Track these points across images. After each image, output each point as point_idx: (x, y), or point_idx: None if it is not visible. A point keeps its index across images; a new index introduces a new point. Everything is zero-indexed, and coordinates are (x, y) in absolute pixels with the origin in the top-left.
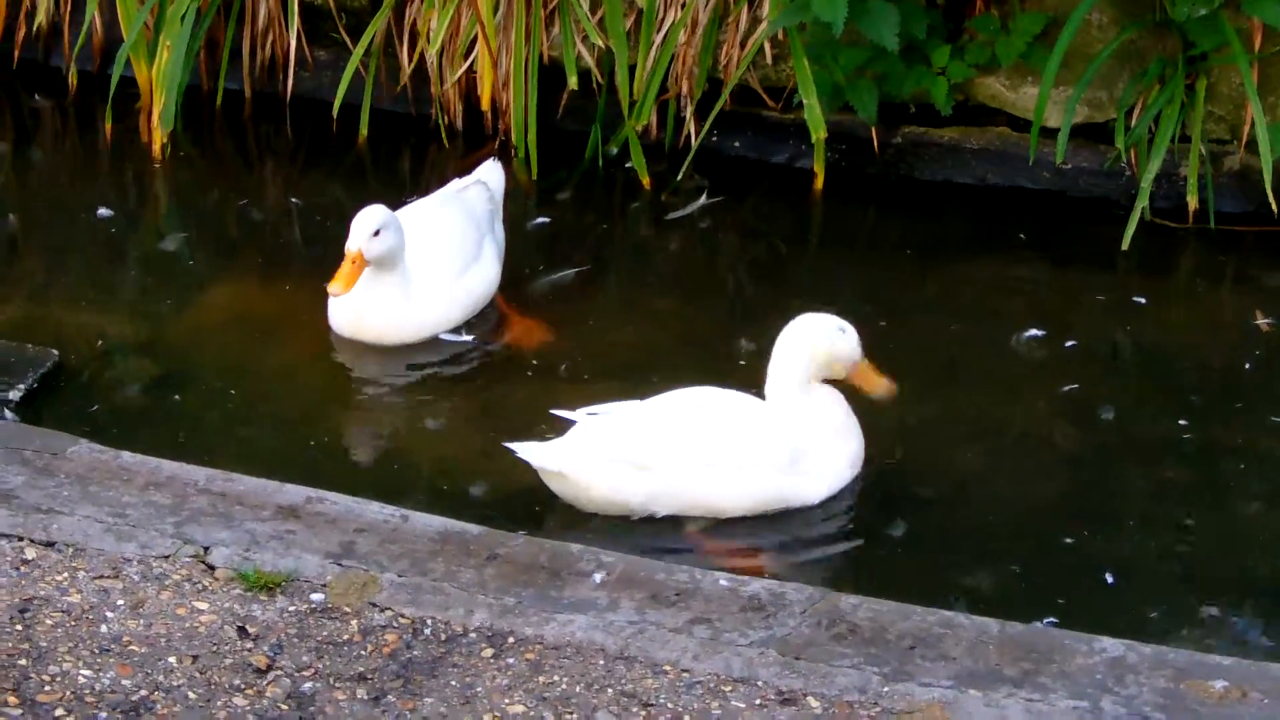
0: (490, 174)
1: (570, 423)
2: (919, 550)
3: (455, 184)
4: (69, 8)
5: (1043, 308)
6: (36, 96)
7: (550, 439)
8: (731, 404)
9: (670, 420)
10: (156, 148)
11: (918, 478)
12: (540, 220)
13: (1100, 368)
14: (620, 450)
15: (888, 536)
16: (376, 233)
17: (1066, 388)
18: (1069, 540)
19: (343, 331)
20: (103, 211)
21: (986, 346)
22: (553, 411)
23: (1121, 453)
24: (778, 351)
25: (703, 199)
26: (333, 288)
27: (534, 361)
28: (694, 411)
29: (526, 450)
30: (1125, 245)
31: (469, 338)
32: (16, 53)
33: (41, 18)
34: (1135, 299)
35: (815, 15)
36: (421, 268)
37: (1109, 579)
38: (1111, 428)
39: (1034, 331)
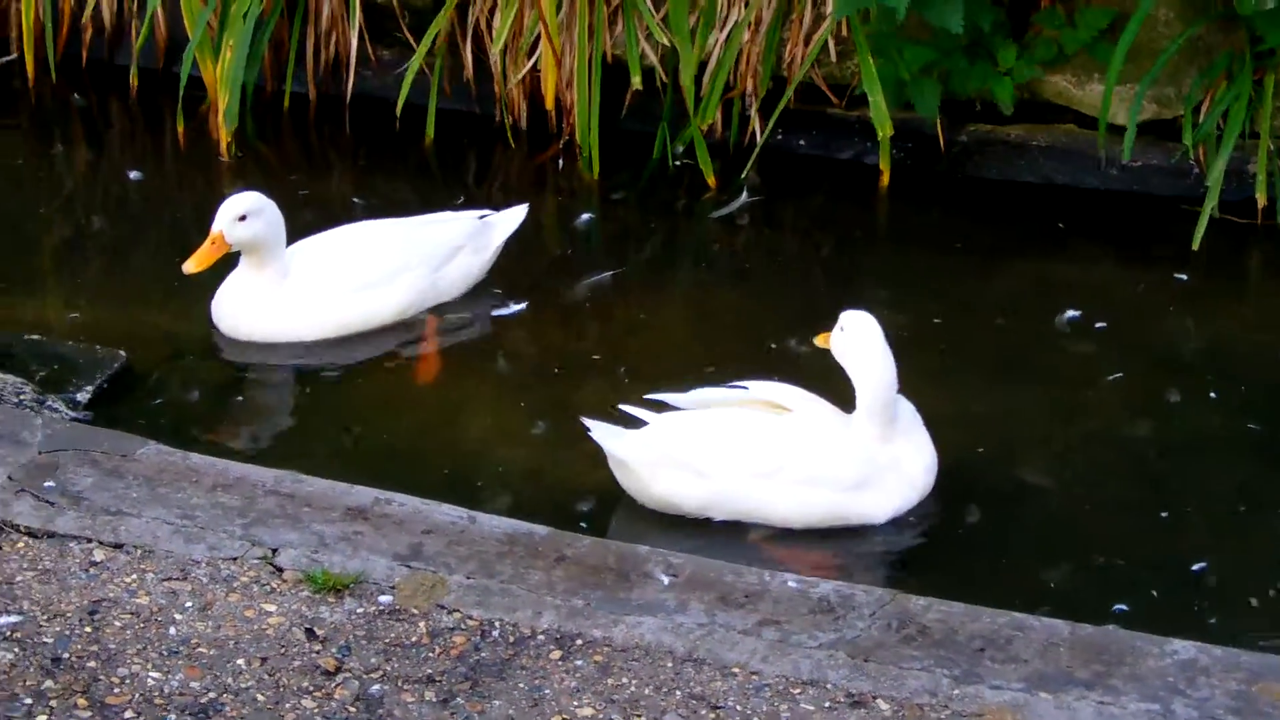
0: (506, 218)
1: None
2: (989, 550)
3: (452, 214)
4: (134, 7)
5: (1109, 306)
6: (76, 96)
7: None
8: (806, 413)
9: (733, 427)
10: (223, 146)
11: (986, 476)
12: (585, 217)
13: (1168, 365)
14: (679, 453)
15: (957, 536)
16: (243, 218)
17: (1134, 385)
18: (1139, 540)
19: (215, 318)
20: (171, 210)
21: (1051, 344)
22: (621, 407)
23: (1190, 450)
24: (875, 355)
25: (743, 197)
26: (186, 265)
27: (595, 357)
28: (761, 420)
29: (600, 431)
30: (1196, 245)
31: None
32: (84, 52)
33: (101, 8)
34: (1204, 296)
35: (880, 1)
36: (311, 277)
37: (1181, 580)
38: (1181, 425)
39: (1100, 327)
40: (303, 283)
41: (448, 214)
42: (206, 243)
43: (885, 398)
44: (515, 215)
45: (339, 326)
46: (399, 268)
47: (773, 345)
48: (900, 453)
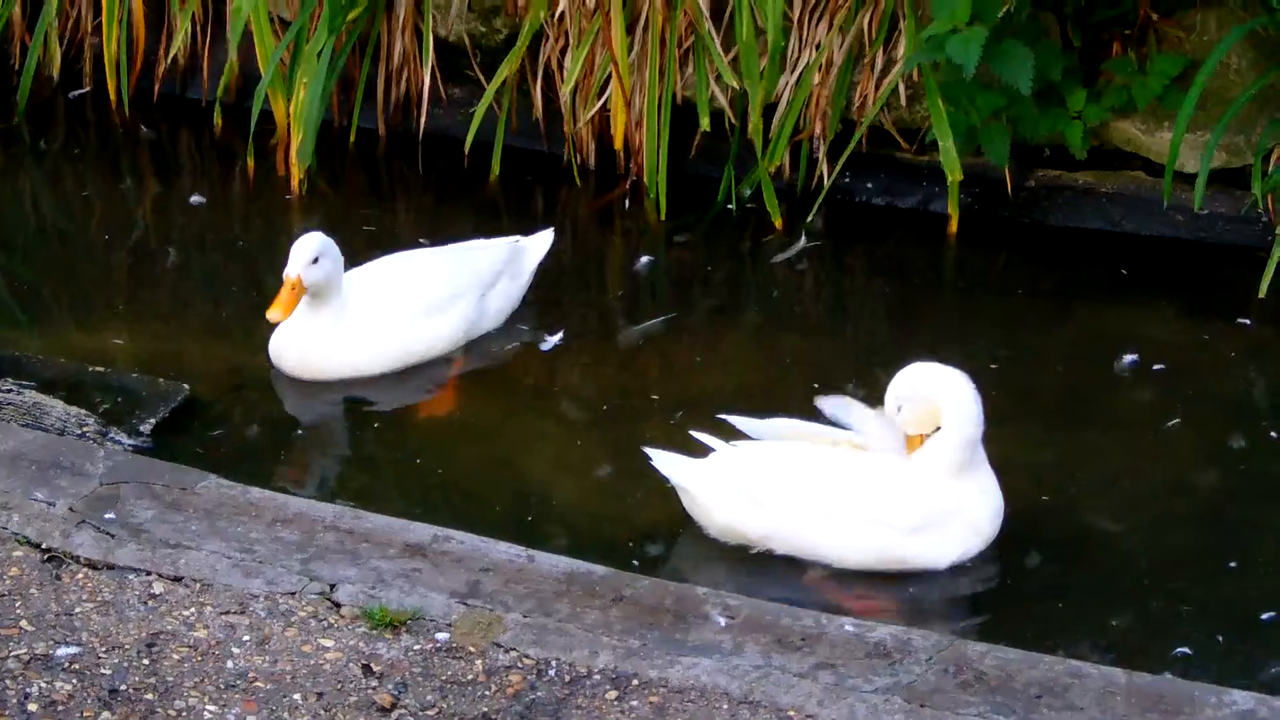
0: (536, 242)
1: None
2: (1051, 595)
3: (485, 243)
4: (207, 43)
5: (1175, 354)
6: (144, 129)
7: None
8: (877, 453)
9: (798, 461)
10: (295, 182)
11: (1047, 522)
12: (646, 259)
13: (1232, 411)
14: (741, 482)
15: (1020, 582)
16: (315, 260)
17: (1197, 431)
18: (1205, 587)
19: (274, 358)
20: (239, 244)
21: (1114, 390)
22: (692, 434)
23: (1254, 498)
24: (962, 408)
25: (802, 241)
26: (271, 313)
27: (668, 396)
28: (828, 455)
29: (662, 460)
30: (1262, 293)
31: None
32: (157, 86)
33: (178, 48)
34: (1271, 343)
35: (949, 56)
36: (367, 312)
37: (1248, 627)
38: (1244, 472)
39: (1162, 373)
40: (361, 318)
41: (481, 241)
42: (286, 288)
43: (973, 435)
44: (544, 240)
45: (402, 357)
46: (453, 294)
47: (832, 388)
48: (967, 497)
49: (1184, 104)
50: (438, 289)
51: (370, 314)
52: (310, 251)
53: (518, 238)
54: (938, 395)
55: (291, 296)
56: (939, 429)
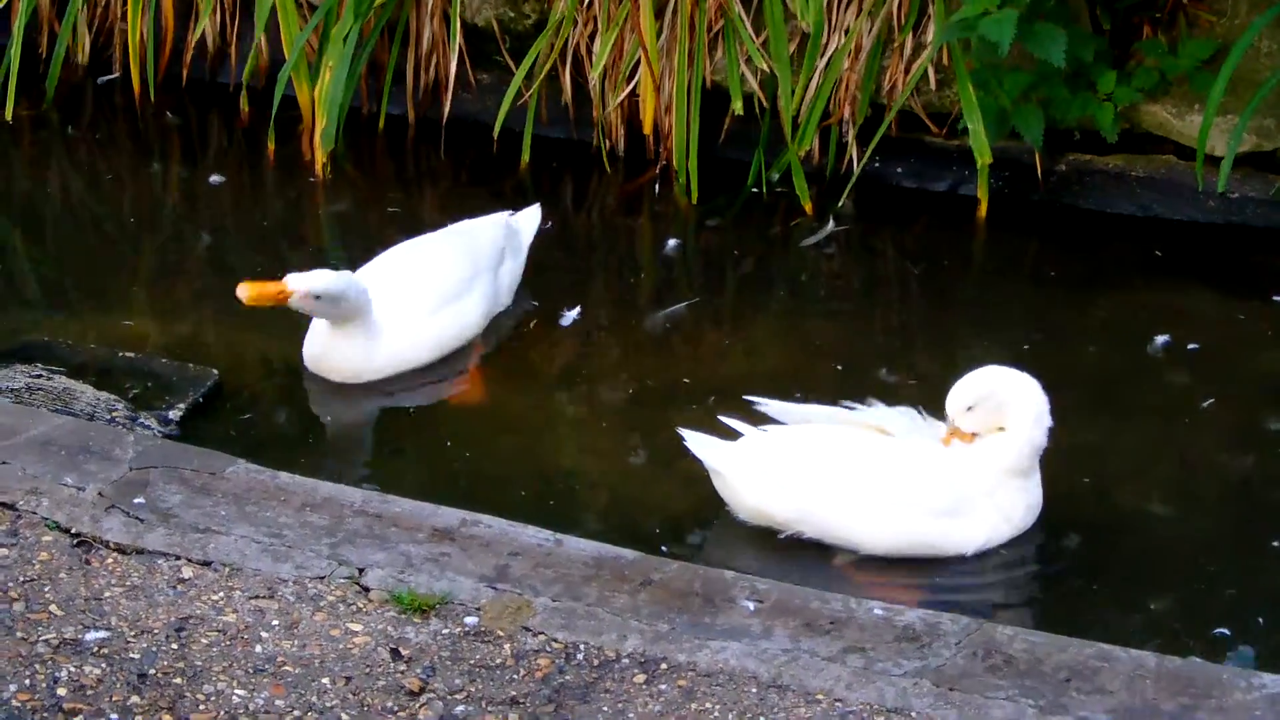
0: (527, 219)
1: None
2: (1083, 578)
3: (476, 222)
4: (235, 28)
5: (1205, 337)
6: (169, 115)
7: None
8: (905, 438)
9: (827, 444)
10: (318, 167)
11: (1076, 505)
12: (673, 243)
13: (1264, 397)
14: (771, 466)
15: (1051, 565)
16: (318, 297)
17: (1232, 413)
18: (1235, 570)
19: (310, 366)
20: (265, 226)
21: (1147, 372)
22: (721, 418)
23: None
24: (1036, 414)
25: (830, 225)
26: (242, 289)
27: (697, 380)
28: (857, 439)
29: (696, 442)
30: None
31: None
32: (185, 71)
33: (203, 30)
34: None
35: (982, 34)
36: (391, 309)
37: (1263, 617)
38: (1275, 457)
39: (1196, 354)
40: (391, 318)
41: (470, 221)
42: (274, 289)
43: (1042, 441)
44: (534, 215)
45: (438, 347)
46: (472, 274)
47: (861, 372)
48: (1002, 484)
49: (1214, 87)
50: (457, 272)
51: (399, 312)
52: (315, 287)
53: (510, 212)
54: (1012, 399)
55: (275, 295)
56: (999, 430)
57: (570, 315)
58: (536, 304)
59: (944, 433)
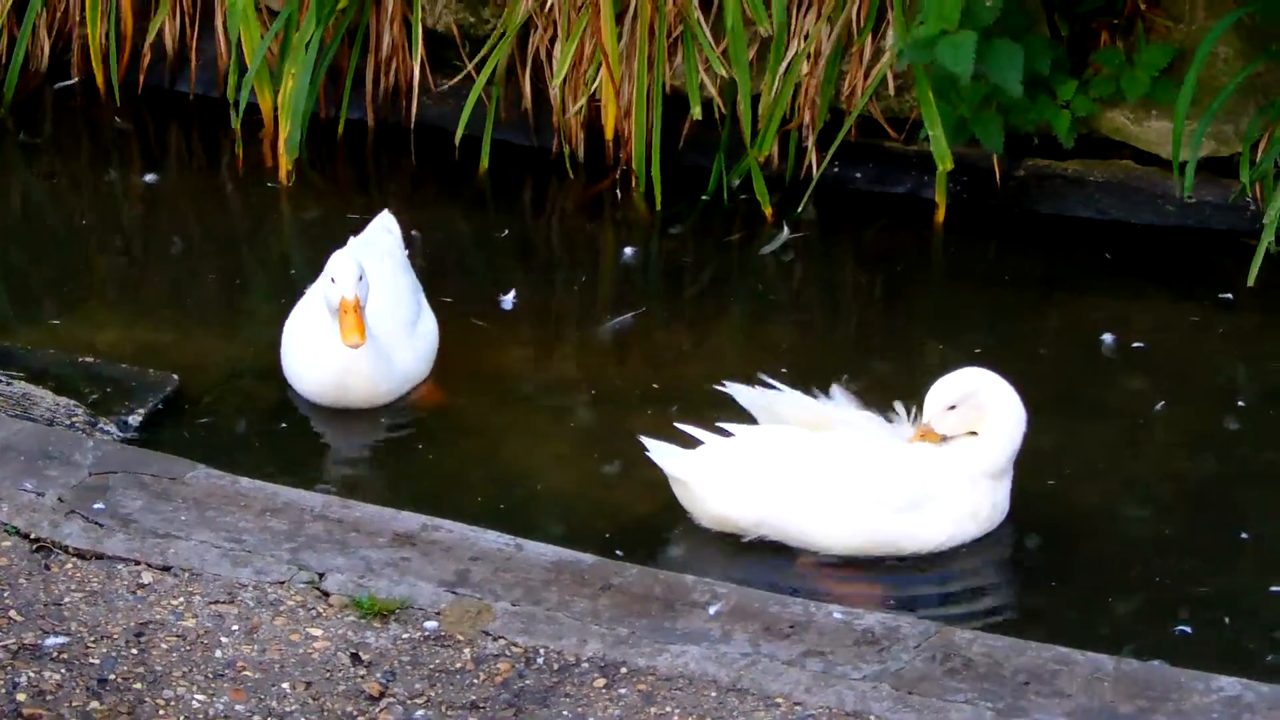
0: (388, 223)
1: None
2: (1042, 581)
3: (366, 234)
4: (195, 34)
5: (1164, 342)
6: (117, 119)
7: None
8: (859, 432)
9: (788, 447)
10: (283, 174)
11: (1039, 507)
12: (629, 251)
13: (1223, 402)
14: (733, 471)
15: (1010, 568)
16: (360, 277)
17: (1187, 415)
18: (1189, 571)
19: (320, 397)
20: (226, 235)
21: (1103, 376)
22: (678, 425)
23: (1243, 485)
24: (1015, 415)
25: (785, 233)
26: (349, 339)
27: (655, 386)
28: (813, 440)
29: (658, 450)
30: (1251, 280)
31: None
32: (141, 78)
33: (155, 34)
34: (1259, 333)
35: (941, 64)
36: (379, 325)
37: (1227, 616)
38: (1233, 460)
39: (1151, 358)
40: (388, 336)
41: (356, 237)
42: (349, 312)
43: (1018, 443)
44: (386, 218)
45: (430, 360)
46: (412, 279)
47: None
48: (976, 482)
49: (1180, 96)
50: (405, 279)
51: (390, 330)
52: (356, 269)
53: (376, 224)
54: (993, 401)
55: (358, 318)
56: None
57: (508, 300)
58: (486, 305)
59: (912, 433)
